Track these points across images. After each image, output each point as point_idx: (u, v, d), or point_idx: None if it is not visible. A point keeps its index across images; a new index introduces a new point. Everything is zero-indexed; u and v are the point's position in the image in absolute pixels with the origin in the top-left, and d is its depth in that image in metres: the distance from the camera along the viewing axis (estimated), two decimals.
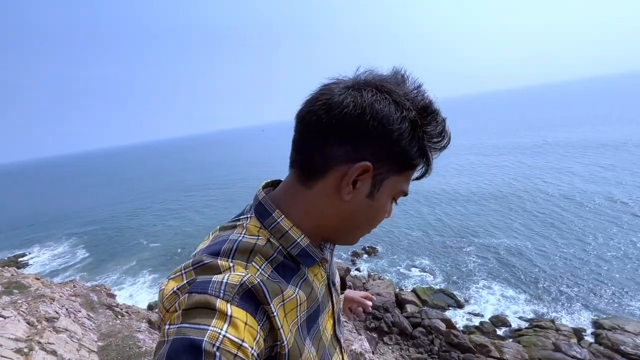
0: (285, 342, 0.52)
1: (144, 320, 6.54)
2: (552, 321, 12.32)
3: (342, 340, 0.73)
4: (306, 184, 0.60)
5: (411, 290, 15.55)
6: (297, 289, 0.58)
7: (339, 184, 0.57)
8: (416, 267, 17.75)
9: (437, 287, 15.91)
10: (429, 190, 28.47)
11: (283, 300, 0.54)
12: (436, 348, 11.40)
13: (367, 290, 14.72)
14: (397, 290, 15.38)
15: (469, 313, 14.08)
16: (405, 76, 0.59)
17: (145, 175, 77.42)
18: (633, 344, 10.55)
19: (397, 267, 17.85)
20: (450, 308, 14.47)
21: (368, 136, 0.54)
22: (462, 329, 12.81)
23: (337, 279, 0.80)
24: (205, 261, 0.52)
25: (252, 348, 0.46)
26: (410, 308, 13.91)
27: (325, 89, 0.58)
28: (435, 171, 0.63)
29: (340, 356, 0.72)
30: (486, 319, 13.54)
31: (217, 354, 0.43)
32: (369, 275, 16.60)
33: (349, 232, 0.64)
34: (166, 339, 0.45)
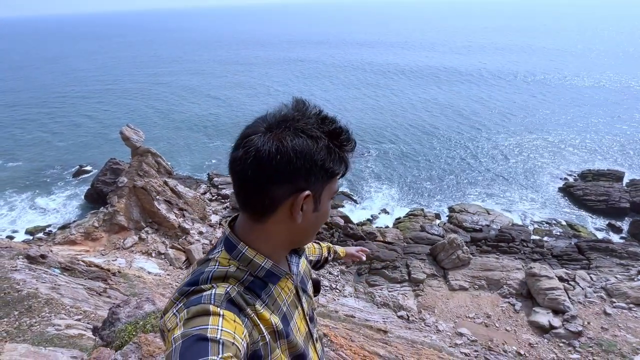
0: (265, 334, 0.68)
1: (21, 257, 5.64)
2: (422, 210, 15.66)
3: (315, 335, 0.90)
4: (260, 220, 0.72)
5: None
6: (265, 304, 0.72)
7: (289, 213, 0.70)
8: None
9: (339, 189, 17.98)
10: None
11: (255, 311, 0.69)
12: (335, 240, 13.53)
13: None
14: None
15: (363, 209, 16.73)
16: (307, 104, 0.71)
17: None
18: (471, 221, 14.47)
19: None
20: (348, 206, 16.84)
21: (299, 172, 0.66)
22: (356, 222, 15.29)
23: (310, 285, 0.94)
24: (190, 288, 0.65)
25: (242, 339, 0.60)
26: None
27: (247, 141, 0.66)
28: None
29: (314, 346, 0.88)
30: (375, 212, 16.38)
31: (221, 340, 0.55)
32: None
33: (306, 238, 0.81)
34: (174, 345, 0.55)
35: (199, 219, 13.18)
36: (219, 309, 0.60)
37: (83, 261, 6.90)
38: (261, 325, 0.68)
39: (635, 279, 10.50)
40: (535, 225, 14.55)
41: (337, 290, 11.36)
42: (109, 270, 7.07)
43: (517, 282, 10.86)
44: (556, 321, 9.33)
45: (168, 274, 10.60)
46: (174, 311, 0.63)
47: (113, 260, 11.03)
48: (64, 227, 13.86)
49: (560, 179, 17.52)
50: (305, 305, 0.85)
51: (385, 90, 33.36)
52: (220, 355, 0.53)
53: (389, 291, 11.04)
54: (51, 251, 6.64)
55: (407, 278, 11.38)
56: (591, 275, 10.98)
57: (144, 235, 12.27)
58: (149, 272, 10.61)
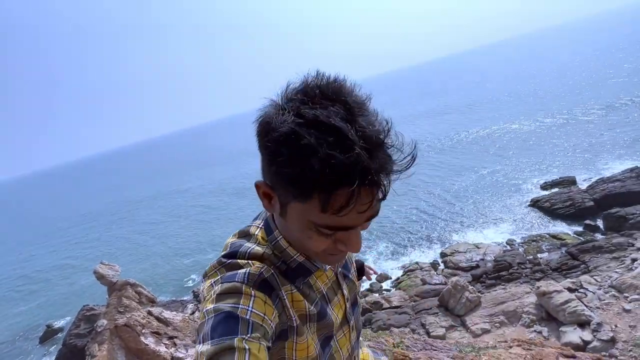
0: (294, 318, 0.68)
1: None
2: (417, 263, 15.55)
3: (351, 321, 0.84)
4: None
5: None
6: (299, 289, 0.71)
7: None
8: None
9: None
10: None
11: (291, 290, 0.69)
12: None
13: None
14: None
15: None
16: None
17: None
18: (465, 260, 14.52)
19: None
20: None
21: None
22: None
23: (353, 270, 0.91)
24: (228, 261, 0.67)
25: (271, 320, 0.62)
26: None
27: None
28: None
29: (348, 334, 0.83)
30: (373, 279, 15.92)
31: (250, 320, 0.57)
32: None
33: (300, 244, 0.69)
34: (206, 317, 0.58)
35: (192, 342, 11.95)
36: (251, 289, 0.62)
37: None
38: (291, 309, 0.68)
39: (633, 268, 10.73)
40: (525, 246, 14.87)
41: None
42: None
43: (532, 306, 10.59)
44: (586, 335, 8.97)
45: None
46: (212, 281, 0.65)
47: None
48: None
49: (525, 196, 18.67)
50: (345, 290, 0.83)
51: None
52: (249, 335, 0.55)
53: None
54: None
55: (427, 338, 10.66)
56: (594, 277, 11.08)
57: None
58: None
